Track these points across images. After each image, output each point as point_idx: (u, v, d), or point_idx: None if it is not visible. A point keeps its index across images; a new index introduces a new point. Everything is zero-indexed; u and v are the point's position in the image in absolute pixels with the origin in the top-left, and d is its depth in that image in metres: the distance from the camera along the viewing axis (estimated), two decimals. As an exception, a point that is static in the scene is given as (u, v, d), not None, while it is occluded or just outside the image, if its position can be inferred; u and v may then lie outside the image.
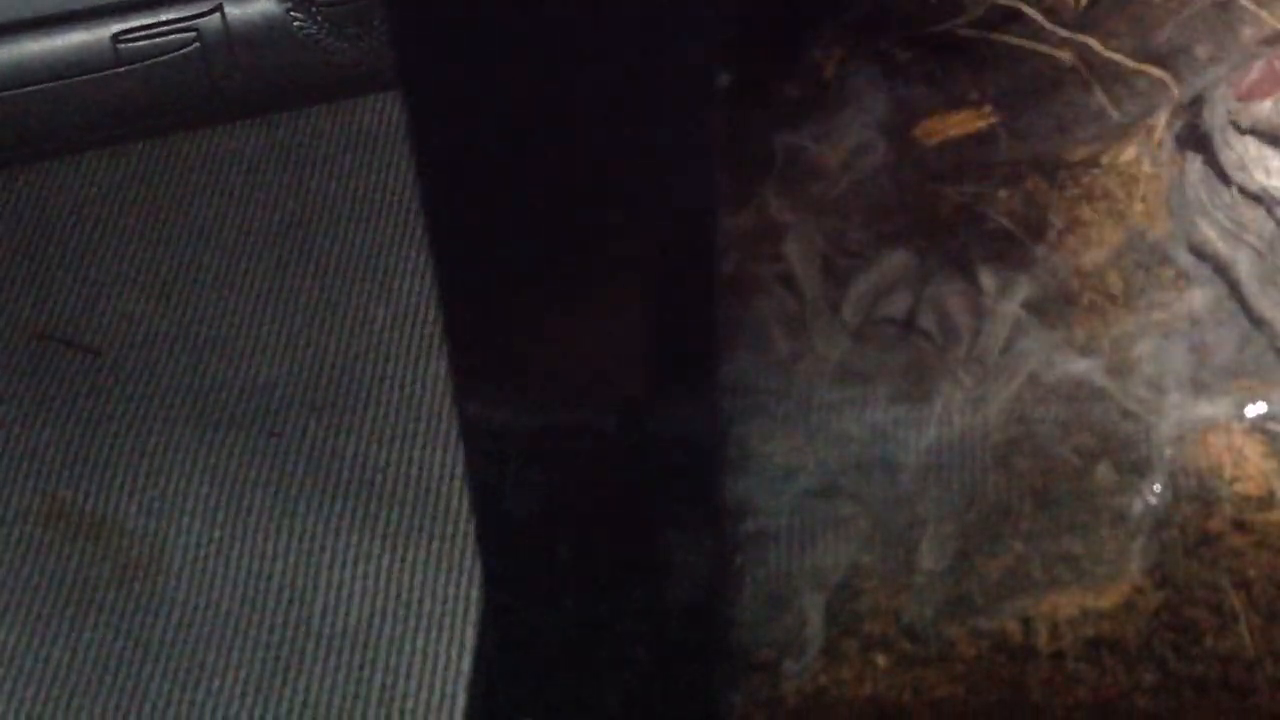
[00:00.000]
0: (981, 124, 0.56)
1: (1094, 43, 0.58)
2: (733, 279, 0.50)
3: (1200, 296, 0.66)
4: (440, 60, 0.38)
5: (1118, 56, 0.57)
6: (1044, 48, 0.58)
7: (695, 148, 0.39)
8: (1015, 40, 0.58)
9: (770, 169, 0.55)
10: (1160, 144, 0.69)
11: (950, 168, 0.58)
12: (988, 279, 0.61)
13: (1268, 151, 0.71)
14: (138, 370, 0.84)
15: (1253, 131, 0.71)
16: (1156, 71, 0.57)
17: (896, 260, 0.60)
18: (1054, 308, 0.65)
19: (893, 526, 0.58)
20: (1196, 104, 0.70)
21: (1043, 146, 0.58)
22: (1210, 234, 0.68)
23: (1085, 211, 0.68)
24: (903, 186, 0.58)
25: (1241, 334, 0.65)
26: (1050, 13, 0.59)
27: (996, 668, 0.58)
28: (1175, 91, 0.57)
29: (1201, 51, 0.58)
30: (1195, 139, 0.70)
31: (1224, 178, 0.70)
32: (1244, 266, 0.67)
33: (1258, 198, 0.70)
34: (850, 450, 0.57)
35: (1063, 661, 0.58)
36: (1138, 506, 0.59)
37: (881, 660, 0.59)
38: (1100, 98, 0.57)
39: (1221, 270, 0.67)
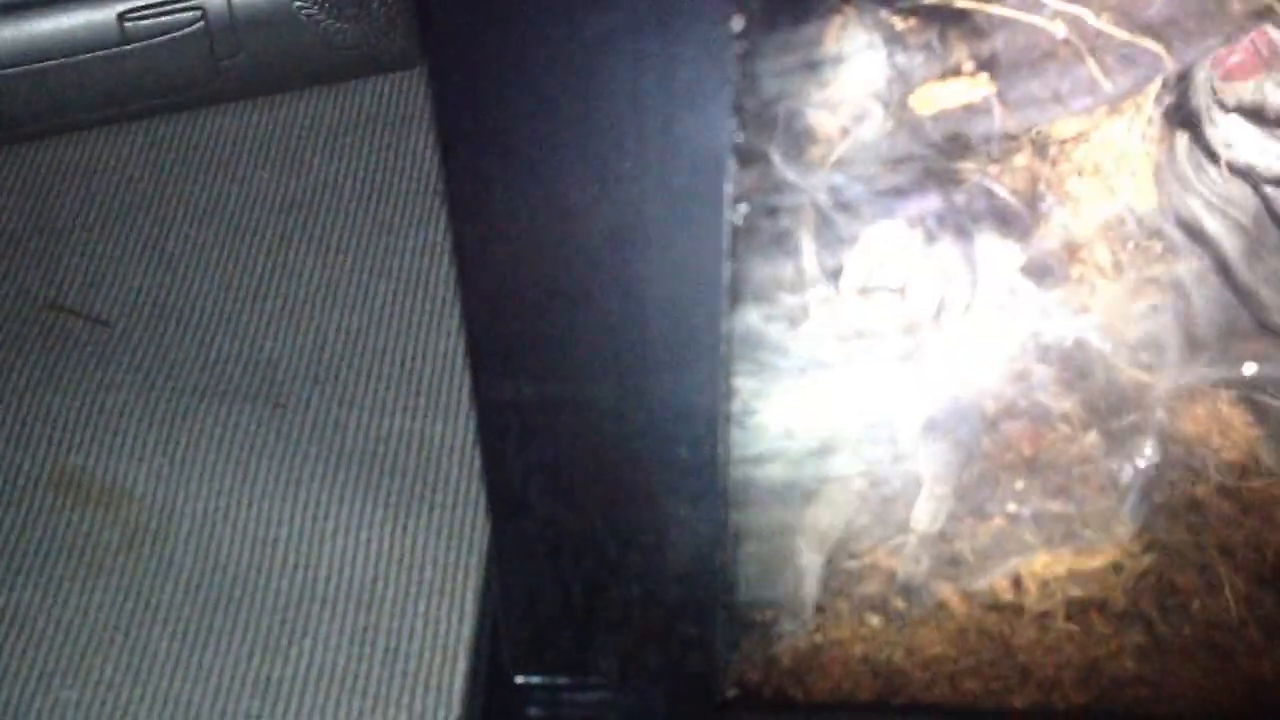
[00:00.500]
0: (977, 94, 0.58)
1: (1086, 13, 0.59)
2: (739, 236, 0.52)
3: (1186, 269, 0.68)
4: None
5: (1109, 28, 0.59)
6: (1038, 19, 0.60)
7: (707, 112, 0.41)
8: (1009, 12, 0.60)
9: (773, 131, 0.57)
10: (1150, 120, 0.71)
11: (947, 137, 0.60)
12: (983, 246, 0.62)
13: (1252, 129, 0.72)
14: (146, 341, 0.85)
15: (1237, 110, 0.73)
16: (1147, 42, 0.58)
17: (893, 226, 0.61)
18: (1045, 279, 0.67)
19: (888, 487, 0.59)
20: (1183, 82, 0.72)
21: (1037, 117, 0.60)
22: (1197, 209, 0.70)
23: (1076, 185, 0.70)
24: (900, 154, 0.59)
25: (1226, 306, 0.67)
26: (1042, -19, 0.61)
27: (987, 627, 0.60)
28: (1168, 63, 0.58)
29: (1192, 24, 0.60)
30: (1182, 116, 0.72)
31: (1211, 154, 0.71)
32: (1229, 241, 0.69)
33: (1244, 174, 0.71)
34: (848, 410, 0.59)
35: (1051, 621, 0.60)
36: (1127, 472, 0.61)
37: (875, 620, 0.61)
38: (1093, 69, 0.59)
39: (1208, 244, 0.69)
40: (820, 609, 0.61)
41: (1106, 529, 0.59)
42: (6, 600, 0.74)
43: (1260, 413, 0.63)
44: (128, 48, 0.91)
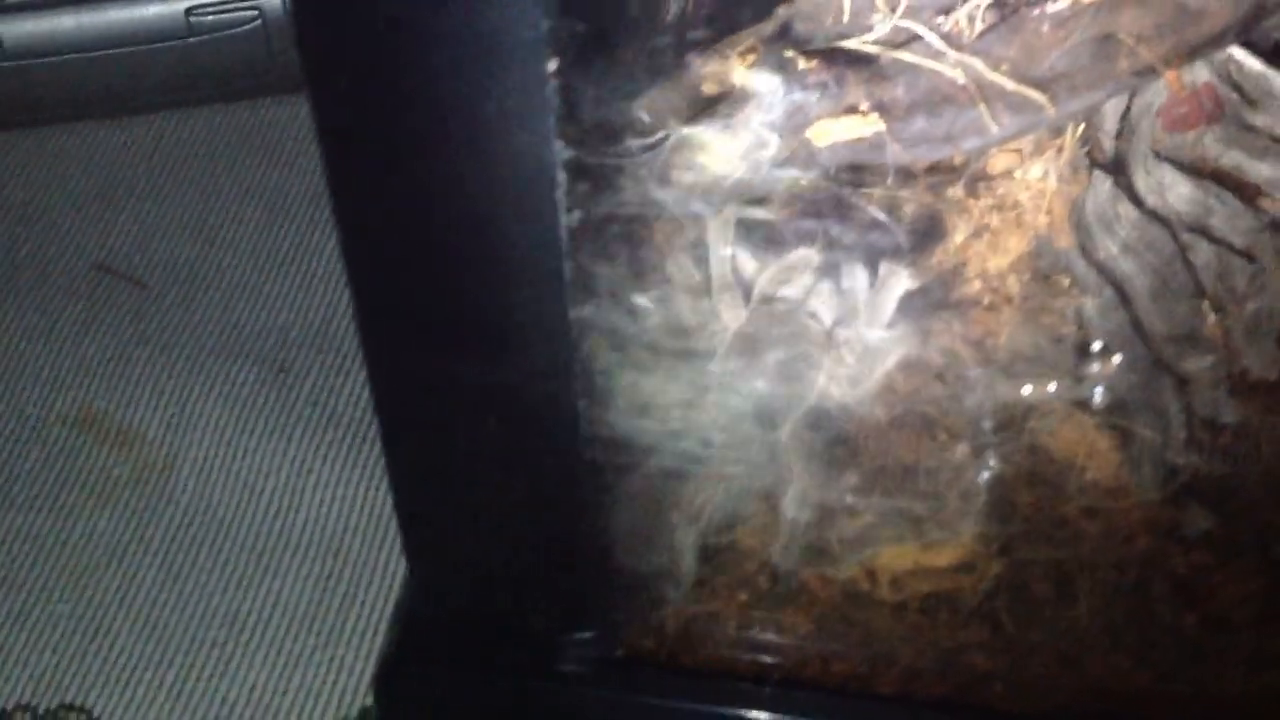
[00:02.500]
0: (867, 130, 0.64)
1: (980, 64, 0.65)
2: (649, 244, 0.59)
3: (1090, 305, 0.73)
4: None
5: (1000, 78, 0.64)
6: (938, 65, 0.65)
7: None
8: (912, 58, 0.66)
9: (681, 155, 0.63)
10: (1071, 163, 0.76)
11: (843, 168, 0.66)
12: (878, 269, 0.68)
13: (1181, 179, 0.76)
14: (176, 304, 0.94)
15: (1171, 160, 0.77)
16: (1033, 93, 0.64)
17: (797, 247, 0.67)
18: (954, 304, 0.72)
19: (761, 476, 0.65)
20: (1123, 128, 0.76)
21: (929, 154, 0.65)
22: (1113, 249, 0.74)
23: (994, 219, 0.75)
24: (797, 181, 0.65)
25: (1121, 341, 0.71)
26: (947, 37, 0.66)
27: (847, 613, 0.66)
28: (1050, 112, 0.63)
29: (1079, 79, 0.65)
30: (1111, 161, 0.76)
31: (1136, 199, 0.75)
32: (1139, 281, 0.73)
33: (1165, 221, 0.76)
34: (736, 410, 0.65)
35: (905, 613, 0.65)
36: (984, 480, 0.66)
37: (744, 597, 0.66)
38: (984, 114, 0.64)
39: (1117, 283, 0.74)
40: (700, 582, 0.67)
41: (952, 529, 0.64)
42: (23, 522, 0.84)
43: (1127, 439, 0.67)
44: (193, 40, 1.01)
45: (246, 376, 0.90)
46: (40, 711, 0.77)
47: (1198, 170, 0.76)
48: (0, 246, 0.98)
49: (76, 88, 1.02)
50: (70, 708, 0.77)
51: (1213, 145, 0.76)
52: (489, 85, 0.46)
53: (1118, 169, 0.76)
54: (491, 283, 0.52)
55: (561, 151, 0.48)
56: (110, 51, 1.01)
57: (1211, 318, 0.70)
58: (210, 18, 1.00)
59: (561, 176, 0.49)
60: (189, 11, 1.00)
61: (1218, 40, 0.67)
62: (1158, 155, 0.76)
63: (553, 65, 0.46)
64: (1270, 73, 0.72)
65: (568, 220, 0.50)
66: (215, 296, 0.95)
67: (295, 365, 0.91)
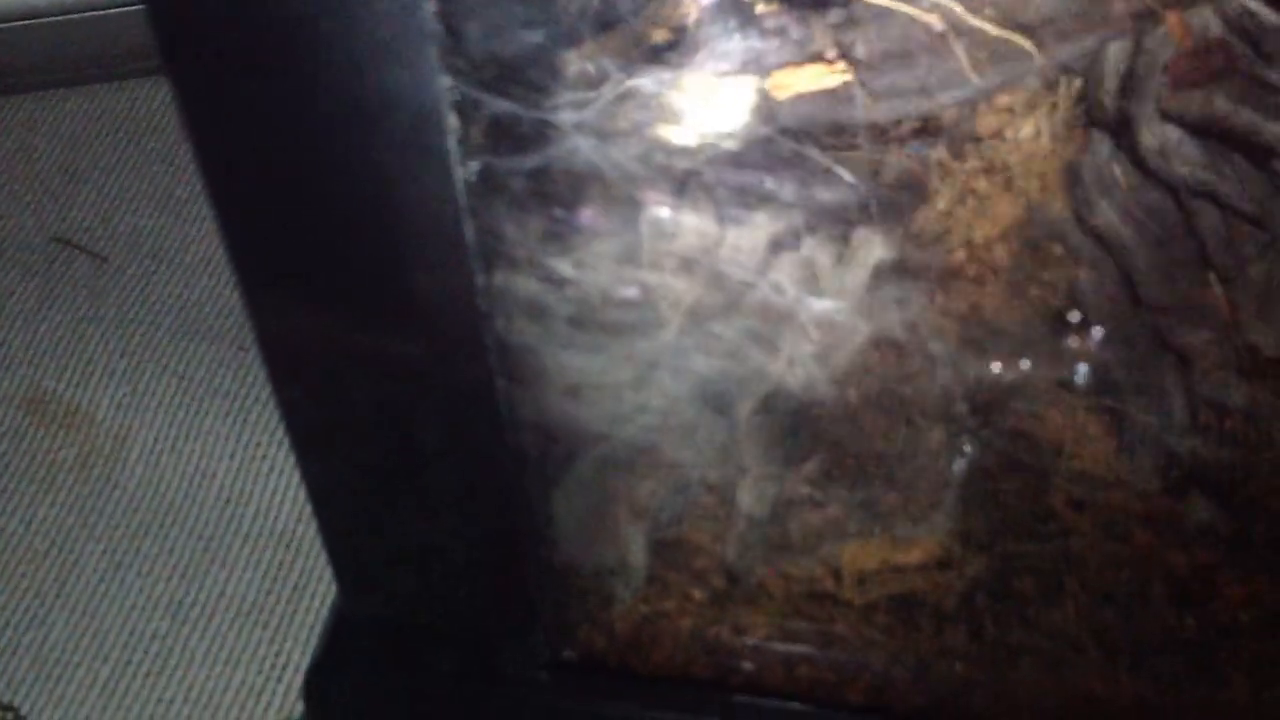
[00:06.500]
0: (833, 80, 0.58)
1: (959, 8, 0.59)
2: (577, 204, 0.53)
3: (1085, 275, 0.67)
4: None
5: (981, 23, 0.58)
6: (912, 9, 0.60)
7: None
8: (888, 3, 0.60)
9: (625, 109, 0.58)
10: (1066, 122, 0.70)
11: (806, 123, 0.60)
12: (848, 239, 0.62)
13: (1188, 141, 0.70)
14: (136, 279, 0.90)
15: (1179, 120, 0.71)
16: (1018, 39, 0.58)
17: (754, 212, 0.62)
18: (937, 276, 0.66)
19: (713, 468, 0.60)
20: (1126, 85, 0.70)
21: (903, 108, 0.59)
22: (1111, 215, 0.68)
23: (982, 184, 0.69)
24: (755, 137, 0.60)
25: (1118, 315, 0.65)
26: (924, -22, 0.60)
27: (809, 614, 0.60)
28: (1038, 60, 0.57)
29: (1069, 24, 0.59)
30: (1112, 120, 0.70)
31: (1138, 162, 0.69)
32: (1139, 250, 0.67)
33: (1169, 185, 0.69)
34: (684, 393, 0.59)
35: (874, 615, 0.59)
36: (960, 469, 0.60)
37: (698, 594, 0.61)
38: (963, 63, 0.58)
39: (1116, 253, 0.67)
40: (651, 580, 0.61)
41: (924, 522, 0.59)
42: (-37, 507, 0.80)
43: (1121, 422, 0.61)
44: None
45: (203, 355, 0.86)
46: (-33, 708, 0.72)
47: (1206, 130, 0.70)
48: (-40, 219, 0.94)
49: (43, 55, 0.98)
50: (-1, 704, 0.72)
51: (1223, 104, 0.69)
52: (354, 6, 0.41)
53: (1119, 129, 0.70)
54: (379, 240, 0.46)
55: (451, 91, 0.43)
56: (78, 16, 0.96)
57: (1217, 290, 0.64)
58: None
59: (454, 121, 0.44)
60: (156, -27, 0.95)
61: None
62: (1163, 114, 0.70)
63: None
64: (1286, 21, 0.66)
65: (465, 172, 0.45)
66: (177, 272, 0.90)
67: (253, 344, 0.86)
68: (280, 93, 0.43)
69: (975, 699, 0.61)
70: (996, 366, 0.64)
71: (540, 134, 0.49)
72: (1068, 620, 0.60)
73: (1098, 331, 0.66)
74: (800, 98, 0.60)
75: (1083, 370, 0.64)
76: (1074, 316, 0.66)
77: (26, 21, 0.97)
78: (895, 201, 0.66)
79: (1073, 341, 0.65)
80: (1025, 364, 0.64)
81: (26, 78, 1.00)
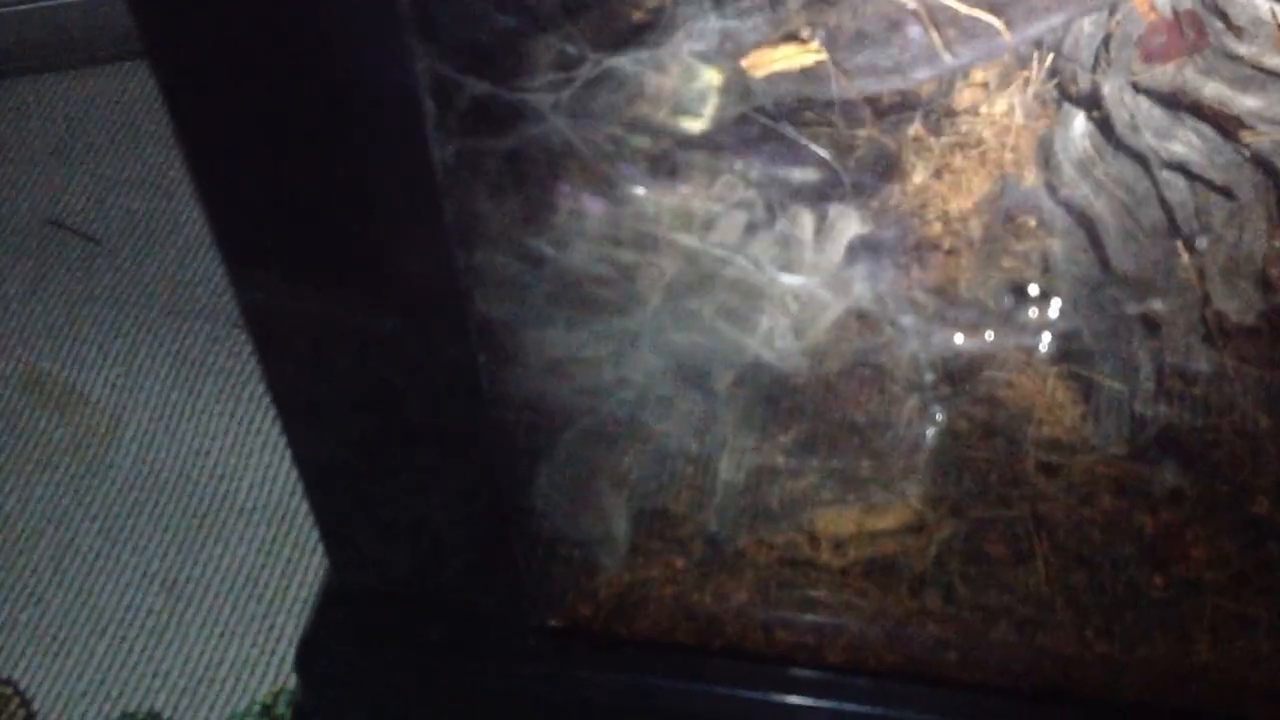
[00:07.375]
0: (808, 59, 0.59)
1: (933, -14, 0.60)
2: (555, 184, 0.55)
3: (1057, 245, 0.68)
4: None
5: (952, 1, 0.59)
6: (888, -10, 0.61)
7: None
8: (856, -20, 0.61)
9: (601, 89, 0.59)
10: (1039, 96, 0.71)
11: (782, 101, 0.61)
12: (823, 213, 0.64)
13: (1159, 113, 0.71)
14: (130, 260, 0.91)
15: (1150, 93, 0.72)
16: (986, 16, 0.59)
17: (731, 188, 0.63)
18: (912, 250, 0.68)
19: (699, 439, 0.61)
20: (1100, 60, 0.71)
21: (876, 85, 0.61)
22: (1084, 187, 0.69)
23: (957, 159, 0.70)
24: (732, 114, 0.61)
25: (1088, 284, 0.67)
26: (895, -42, 0.61)
27: (786, 580, 0.61)
28: (1008, 38, 0.59)
29: (1038, 1, 0.60)
30: (1084, 95, 0.71)
31: (1110, 135, 0.71)
32: (1111, 220, 0.69)
33: (1142, 158, 0.71)
34: (669, 367, 0.61)
35: (849, 579, 0.61)
36: (930, 436, 0.61)
37: (680, 563, 0.62)
38: (935, 41, 0.60)
39: (1087, 224, 0.69)
40: (634, 549, 0.63)
41: (896, 488, 0.60)
42: (-39, 486, 0.82)
43: (1087, 389, 0.62)
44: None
45: (197, 334, 0.87)
46: (-32, 683, 0.74)
47: (1177, 103, 0.71)
48: (-46, 203, 0.95)
49: (35, 39, 0.99)
50: (-1, 678, 0.74)
51: (1194, 77, 0.70)
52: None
53: (1091, 103, 0.71)
54: (361, 221, 0.48)
55: (428, 74, 0.44)
56: (70, 0, 0.98)
57: (1186, 258, 0.65)
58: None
59: (431, 103, 0.45)
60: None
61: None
62: (1135, 88, 0.71)
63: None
64: (1256, -2, 0.67)
65: (443, 154, 0.46)
66: (170, 252, 0.91)
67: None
68: (260, 76, 0.44)
69: (949, 659, 0.63)
70: (968, 336, 0.65)
71: (518, 115, 0.50)
72: (1038, 581, 0.62)
73: (1068, 300, 0.67)
74: (776, 76, 0.61)
75: (1051, 338, 0.66)
76: (1045, 286, 0.68)
77: (17, 6, 0.98)
78: (871, 177, 0.67)
79: (1043, 310, 0.66)
80: (995, 333, 0.65)
81: (19, 61, 1.02)
